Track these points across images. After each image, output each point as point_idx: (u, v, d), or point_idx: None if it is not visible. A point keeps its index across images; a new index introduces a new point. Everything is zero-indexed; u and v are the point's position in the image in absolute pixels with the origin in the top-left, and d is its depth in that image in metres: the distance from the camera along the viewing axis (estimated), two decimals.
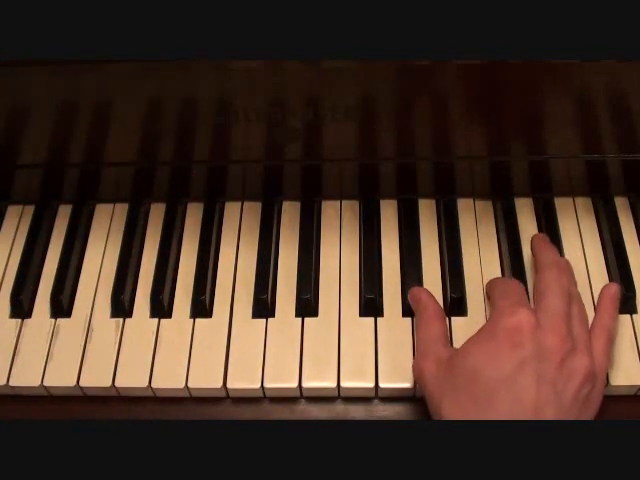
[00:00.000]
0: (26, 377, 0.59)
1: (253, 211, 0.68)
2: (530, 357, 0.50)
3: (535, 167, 0.65)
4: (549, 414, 0.49)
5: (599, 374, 0.53)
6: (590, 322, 0.56)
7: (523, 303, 0.54)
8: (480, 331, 0.54)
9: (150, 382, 0.58)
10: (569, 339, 0.52)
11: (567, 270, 0.59)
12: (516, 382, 0.49)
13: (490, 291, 0.59)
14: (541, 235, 0.64)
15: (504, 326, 0.52)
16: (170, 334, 0.61)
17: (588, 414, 0.52)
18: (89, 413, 0.59)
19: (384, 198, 0.68)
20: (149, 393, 0.59)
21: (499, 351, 0.51)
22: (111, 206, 0.70)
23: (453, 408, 0.50)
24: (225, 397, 0.59)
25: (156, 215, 0.69)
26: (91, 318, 0.62)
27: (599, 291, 0.61)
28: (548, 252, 0.60)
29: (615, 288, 0.58)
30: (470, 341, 0.53)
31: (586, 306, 0.59)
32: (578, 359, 0.51)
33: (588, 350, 0.53)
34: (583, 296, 0.60)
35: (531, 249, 0.63)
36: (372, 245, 0.65)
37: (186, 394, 0.59)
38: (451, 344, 0.59)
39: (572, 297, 0.56)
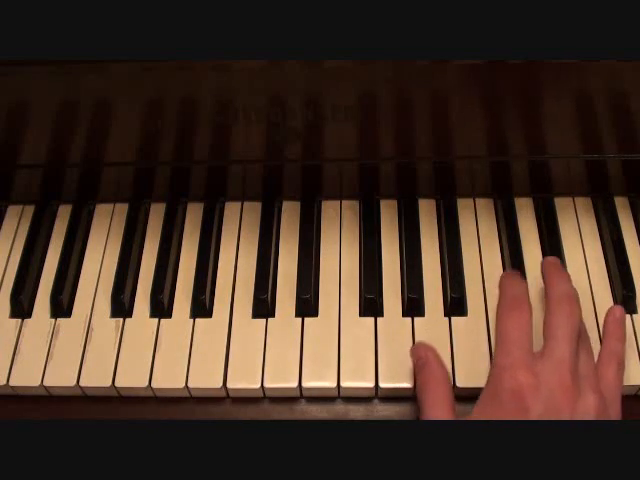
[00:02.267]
0: (26, 377, 0.59)
1: (253, 211, 0.68)
2: (539, 417, 0.49)
3: (535, 167, 0.65)
4: None
5: (612, 405, 0.52)
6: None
7: (521, 362, 0.51)
8: (483, 397, 0.52)
9: (150, 382, 0.58)
10: (575, 386, 0.50)
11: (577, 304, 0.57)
12: None
13: (498, 324, 0.55)
14: (552, 260, 0.59)
15: (506, 391, 0.50)
16: (170, 334, 0.61)
17: None
18: (89, 413, 0.59)
19: (384, 198, 0.68)
20: (149, 393, 0.59)
21: (508, 418, 0.49)
22: (111, 206, 0.70)
23: None
24: (225, 397, 0.59)
25: (156, 215, 0.69)
26: (91, 318, 0.62)
27: (599, 292, 0.62)
28: (560, 282, 0.56)
29: (620, 311, 0.57)
30: (478, 408, 0.52)
31: (587, 308, 0.60)
32: (587, 400, 0.50)
33: (595, 387, 0.51)
34: (583, 298, 0.60)
35: (542, 273, 0.59)
36: (372, 245, 0.65)
37: (186, 394, 0.59)
38: (451, 345, 0.59)
39: (583, 333, 0.55)
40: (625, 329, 0.57)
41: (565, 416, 0.49)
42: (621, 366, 0.54)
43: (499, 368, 0.52)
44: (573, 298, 0.55)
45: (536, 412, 0.49)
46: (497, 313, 0.55)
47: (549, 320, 0.54)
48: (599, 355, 0.55)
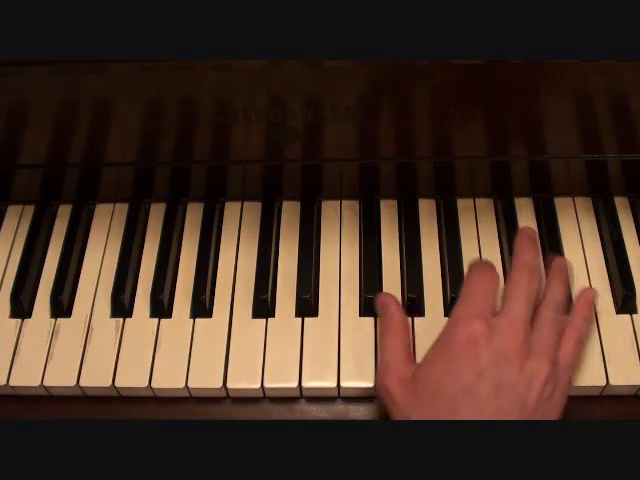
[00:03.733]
0: (26, 377, 0.59)
1: (253, 211, 0.68)
2: (488, 366, 0.51)
3: (535, 167, 0.65)
4: (513, 419, 0.50)
5: (563, 374, 0.53)
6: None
7: (479, 314, 0.53)
8: (438, 342, 0.54)
9: (150, 382, 0.58)
10: (526, 344, 0.52)
11: (561, 272, 0.58)
12: (476, 393, 0.50)
13: (465, 280, 0.57)
14: (528, 231, 0.61)
15: (459, 338, 0.52)
16: (170, 334, 0.61)
17: (553, 414, 0.52)
18: (89, 413, 0.59)
19: (384, 198, 0.68)
20: (149, 393, 0.59)
21: (457, 364, 0.51)
22: (111, 206, 0.70)
23: None
24: (225, 397, 0.59)
25: (156, 215, 0.69)
26: (91, 318, 0.62)
27: (599, 290, 0.61)
28: (527, 252, 0.58)
29: (592, 293, 0.58)
30: (429, 354, 0.54)
31: None
32: (538, 362, 0.52)
33: (549, 353, 0.52)
34: None
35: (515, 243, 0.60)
36: (372, 245, 0.65)
37: (186, 394, 0.59)
38: None
39: (557, 303, 0.56)
40: (593, 313, 0.59)
41: (514, 370, 0.51)
42: (580, 343, 0.56)
43: (456, 317, 0.54)
44: (536, 269, 0.57)
45: (485, 360, 0.51)
46: (466, 275, 0.58)
47: (509, 283, 0.56)
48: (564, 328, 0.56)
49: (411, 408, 0.52)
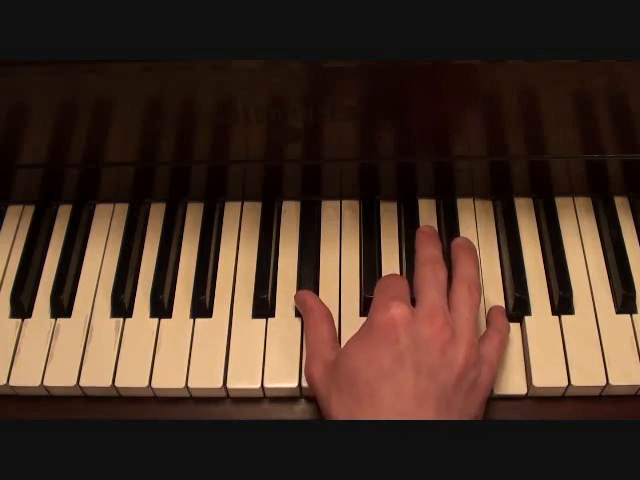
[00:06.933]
0: (26, 377, 0.59)
1: (253, 211, 0.68)
2: (407, 350, 0.51)
3: (535, 167, 0.65)
4: (431, 404, 0.50)
5: (487, 366, 0.54)
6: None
7: (397, 297, 0.54)
8: (359, 329, 0.54)
9: (150, 382, 0.58)
10: (446, 329, 0.52)
11: (469, 254, 0.59)
12: (394, 375, 0.50)
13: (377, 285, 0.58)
14: (426, 228, 0.62)
15: (378, 322, 0.52)
16: (170, 334, 0.61)
17: (474, 404, 0.52)
18: (89, 413, 0.59)
19: (384, 198, 0.68)
20: (149, 393, 0.59)
21: (377, 348, 0.51)
22: (111, 206, 0.70)
23: (340, 409, 0.51)
24: (225, 397, 0.60)
25: (156, 215, 0.69)
26: (91, 318, 0.62)
27: (599, 292, 0.62)
28: (426, 247, 0.59)
29: (503, 307, 0.61)
30: (350, 340, 0.54)
31: (586, 309, 0.61)
32: (457, 347, 0.52)
33: (469, 338, 0.53)
34: (582, 295, 0.61)
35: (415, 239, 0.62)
36: (372, 245, 0.65)
37: (186, 394, 0.59)
38: None
39: (468, 277, 0.57)
40: (506, 318, 0.60)
41: (434, 355, 0.51)
42: (503, 343, 0.57)
43: (374, 305, 0.54)
44: (438, 260, 0.58)
45: (404, 343, 0.51)
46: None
47: (416, 279, 0.57)
48: (485, 332, 0.57)
49: (330, 393, 0.52)
